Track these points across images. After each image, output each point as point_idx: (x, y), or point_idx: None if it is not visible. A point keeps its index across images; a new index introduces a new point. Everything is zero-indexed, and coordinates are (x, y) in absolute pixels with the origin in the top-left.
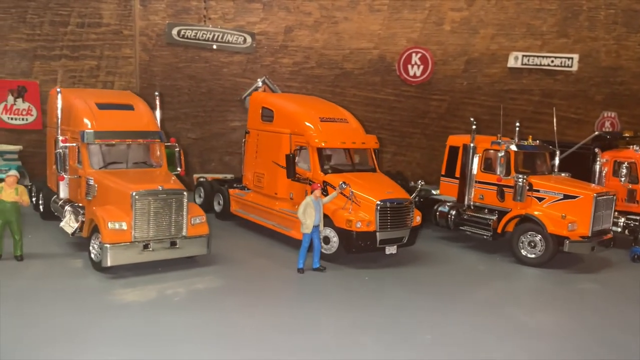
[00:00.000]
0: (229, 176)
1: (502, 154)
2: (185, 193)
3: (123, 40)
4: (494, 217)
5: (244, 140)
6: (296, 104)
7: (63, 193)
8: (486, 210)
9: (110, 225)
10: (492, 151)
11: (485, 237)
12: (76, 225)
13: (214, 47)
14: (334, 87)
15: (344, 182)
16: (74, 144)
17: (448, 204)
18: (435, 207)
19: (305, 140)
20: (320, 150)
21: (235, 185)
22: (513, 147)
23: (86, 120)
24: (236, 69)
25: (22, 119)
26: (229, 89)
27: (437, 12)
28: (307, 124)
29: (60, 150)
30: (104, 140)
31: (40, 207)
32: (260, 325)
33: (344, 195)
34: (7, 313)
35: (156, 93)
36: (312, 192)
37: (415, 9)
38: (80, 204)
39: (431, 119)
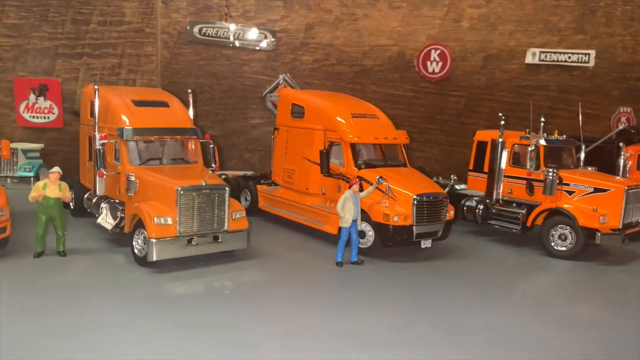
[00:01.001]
0: (249, 173)
1: (532, 148)
2: (227, 188)
3: (145, 38)
4: (523, 211)
5: (272, 136)
6: (327, 100)
7: (100, 189)
8: (514, 204)
9: (156, 220)
10: (520, 146)
11: (514, 230)
12: (114, 221)
13: (236, 44)
14: (354, 84)
15: (381, 177)
16: (113, 141)
17: (475, 198)
18: (463, 201)
19: (339, 136)
20: (353, 146)
21: (262, 181)
22: (542, 142)
23: (124, 117)
24: (257, 66)
25: (44, 117)
26: (250, 87)
27: (456, 8)
28: (340, 120)
29: (100, 147)
30: (142, 137)
31: (71, 204)
32: (311, 317)
33: (380, 190)
34: (59, 307)
35: (189, 90)
36: (350, 187)
37: (434, 6)
38: (117, 200)
39: (449, 115)
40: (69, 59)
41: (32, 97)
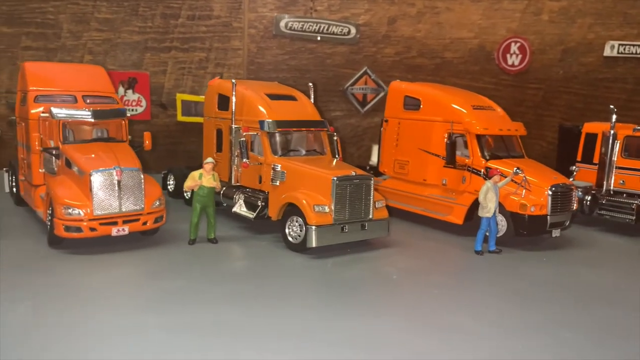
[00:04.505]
0: None
1: None
2: (372, 178)
3: (232, 32)
4: (637, 202)
5: (381, 128)
6: (445, 92)
7: (235, 180)
8: (624, 194)
9: (316, 208)
10: (633, 137)
11: (627, 220)
12: (248, 210)
13: (318, 38)
14: (434, 76)
15: (518, 168)
16: (255, 133)
17: (580, 189)
18: None
19: (464, 128)
20: (479, 137)
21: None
22: None
23: (263, 110)
24: (339, 59)
25: (132, 110)
26: (332, 79)
27: (536, 2)
28: (464, 111)
29: (244, 139)
30: (283, 129)
31: (187, 194)
32: (499, 305)
33: (515, 181)
34: (253, 292)
35: (310, 84)
36: (490, 178)
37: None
38: (249, 189)
39: (527, 107)
40: (158, 53)
41: (121, 89)
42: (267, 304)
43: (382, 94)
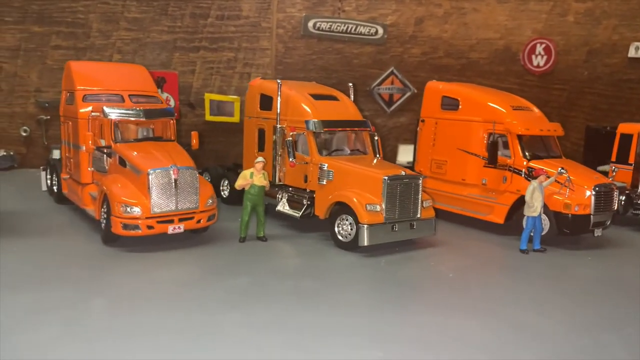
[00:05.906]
0: None
1: None
2: (421, 178)
3: (261, 32)
4: None
5: (418, 128)
6: (484, 93)
7: (279, 179)
8: None
9: (368, 207)
10: None
11: None
12: (290, 209)
13: (348, 38)
14: (460, 76)
15: (562, 168)
16: (301, 132)
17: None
18: None
19: (505, 128)
20: (520, 137)
21: None
22: None
23: (308, 110)
24: (366, 59)
25: None
26: (359, 80)
27: (562, 3)
28: (504, 111)
29: (291, 139)
30: (329, 129)
31: (224, 192)
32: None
33: (558, 181)
34: (320, 288)
35: (350, 84)
36: (536, 178)
37: (541, 0)
38: (291, 187)
39: (551, 108)
40: (187, 52)
41: None
42: (334, 302)
43: (408, 94)
